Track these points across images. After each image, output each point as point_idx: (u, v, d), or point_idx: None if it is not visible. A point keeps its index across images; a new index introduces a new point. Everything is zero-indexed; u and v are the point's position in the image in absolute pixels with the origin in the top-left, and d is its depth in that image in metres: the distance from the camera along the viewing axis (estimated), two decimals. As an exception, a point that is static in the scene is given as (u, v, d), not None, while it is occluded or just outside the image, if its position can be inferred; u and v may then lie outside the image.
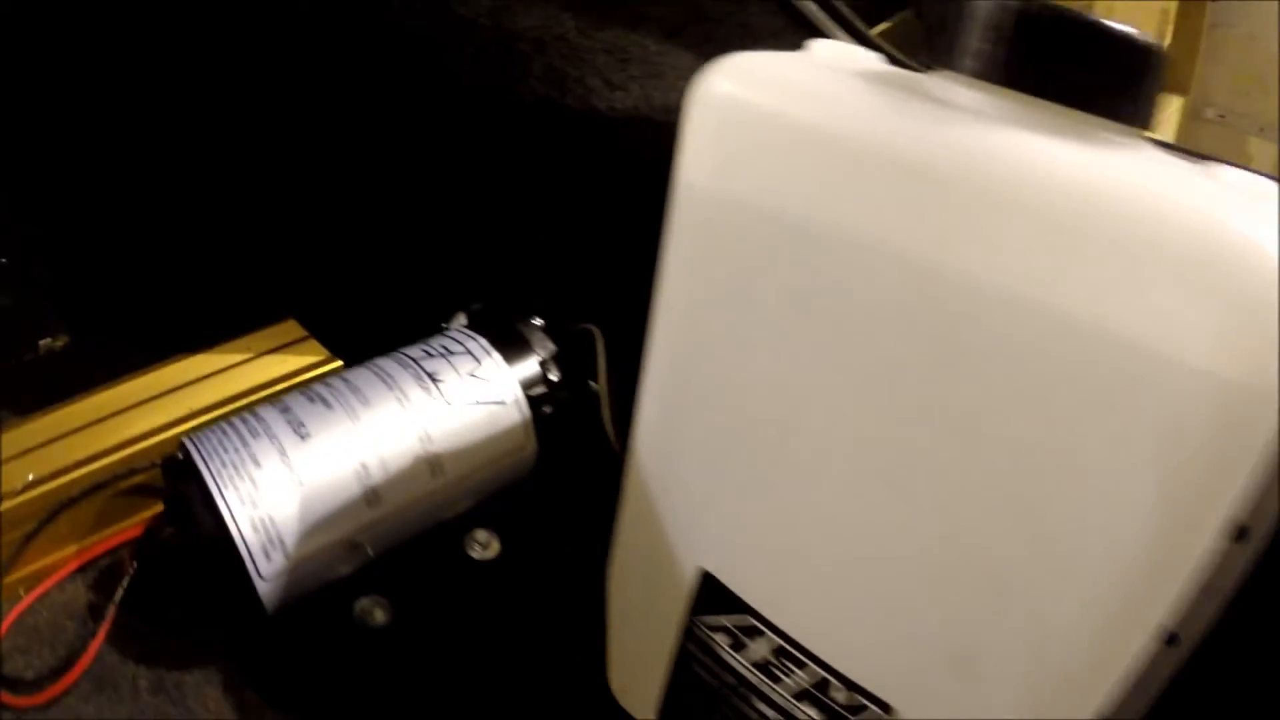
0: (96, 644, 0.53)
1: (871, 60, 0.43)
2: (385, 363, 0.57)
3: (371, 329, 0.71)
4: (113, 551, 0.60)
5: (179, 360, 0.66)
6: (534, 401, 0.58)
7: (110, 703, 0.52)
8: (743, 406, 0.42)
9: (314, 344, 0.67)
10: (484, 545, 0.59)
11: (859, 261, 0.36)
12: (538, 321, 0.62)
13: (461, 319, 0.64)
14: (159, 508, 0.61)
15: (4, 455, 0.59)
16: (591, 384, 0.62)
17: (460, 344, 0.59)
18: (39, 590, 0.57)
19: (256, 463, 0.50)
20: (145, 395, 0.63)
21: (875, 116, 0.36)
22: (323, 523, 0.51)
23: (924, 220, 0.35)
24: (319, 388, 0.55)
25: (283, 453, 0.50)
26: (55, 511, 0.57)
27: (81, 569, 0.59)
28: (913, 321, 0.35)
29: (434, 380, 0.56)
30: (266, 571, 0.50)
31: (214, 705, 0.53)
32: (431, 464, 0.54)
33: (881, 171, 0.35)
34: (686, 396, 0.44)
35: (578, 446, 0.62)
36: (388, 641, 0.55)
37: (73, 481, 0.57)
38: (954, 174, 0.34)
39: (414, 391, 0.55)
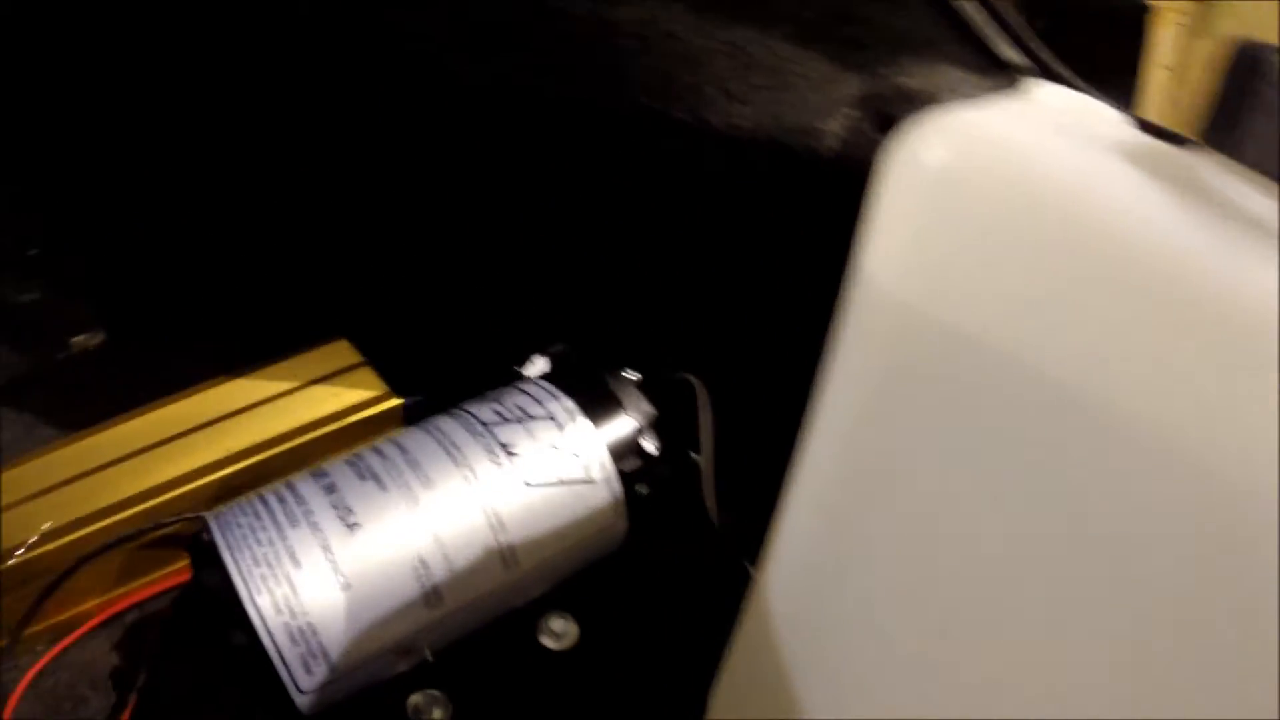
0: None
1: (1119, 123, 0.32)
2: (449, 426, 0.48)
3: (433, 358, 0.62)
4: (140, 605, 0.53)
5: (218, 384, 0.58)
6: (626, 478, 0.49)
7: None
8: (924, 560, 0.32)
9: (369, 374, 0.59)
10: (559, 634, 0.51)
11: (1118, 421, 0.26)
12: (631, 375, 0.53)
13: (541, 363, 0.55)
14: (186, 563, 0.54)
15: (22, 493, 0.52)
16: (693, 455, 0.53)
17: (540, 405, 0.50)
18: (58, 648, 0.51)
19: (295, 560, 0.42)
20: (179, 428, 0.55)
21: (1164, 226, 0.26)
22: (373, 630, 0.43)
23: (1231, 386, 0.25)
24: (371, 459, 0.46)
25: (326, 548, 0.42)
26: (74, 567, 0.50)
27: (105, 624, 0.53)
28: (1187, 510, 0.26)
29: (508, 453, 0.47)
30: (306, 685, 0.42)
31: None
32: (504, 556, 0.46)
33: (1174, 309, 0.25)
34: (845, 533, 0.35)
35: (671, 522, 0.53)
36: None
37: (94, 534, 0.50)
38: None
39: (484, 467, 0.46)
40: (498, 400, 0.50)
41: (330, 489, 0.45)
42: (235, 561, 0.42)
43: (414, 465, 0.46)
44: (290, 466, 0.55)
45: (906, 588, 0.33)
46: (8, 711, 0.48)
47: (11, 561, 0.49)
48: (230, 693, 0.47)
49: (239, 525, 0.43)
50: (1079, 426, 0.27)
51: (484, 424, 0.48)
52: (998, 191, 0.29)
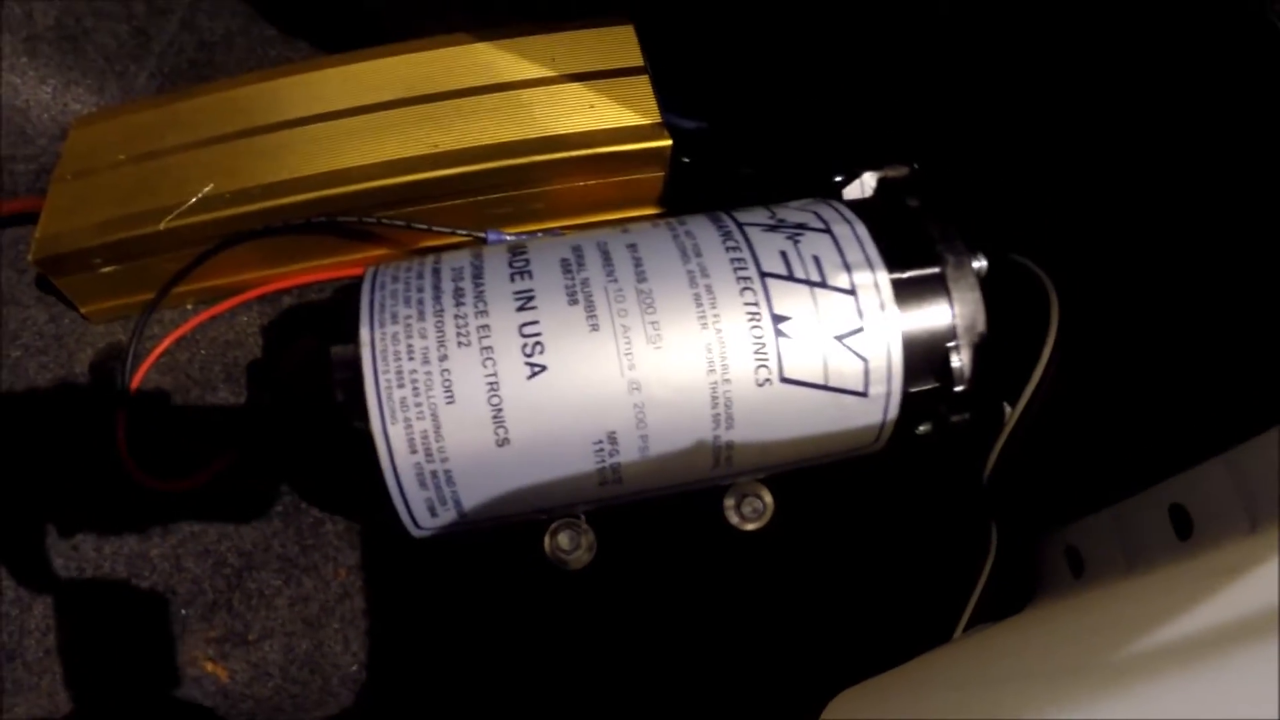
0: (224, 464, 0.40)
1: None
2: (713, 255, 0.33)
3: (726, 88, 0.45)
4: (300, 289, 0.45)
5: (455, 43, 0.44)
6: (911, 405, 0.34)
7: (233, 519, 0.41)
8: None
9: (645, 89, 0.43)
10: (750, 513, 0.38)
11: None
12: (979, 263, 0.35)
13: (866, 184, 0.38)
14: (368, 254, 0.44)
15: (194, 134, 0.42)
16: (1006, 407, 0.36)
17: (845, 270, 0.33)
18: (204, 315, 0.44)
19: (449, 391, 0.30)
20: (387, 94, 0.42)
21: None
22: (523, 494, 0.32)
23: None
24: (592, 272, 0.32)
25: (494, 387, 0.30)
26: (227, 243, 0.41)
27: (261, 300, 0.45)
28: None
29: (777, 330, 0.32)
30: (426, 524, 0.33)
31: (345, 577, 0.40)
32: (717, 453, 0.33)
33: None
34: None
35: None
36: (585, 588, 0.39)
37: (256, 213, 0.40)
38: None
39: (738, 340, 0.32)
40: (792, 234, 0.34)
41: (525, 303, 0.31)
42: (376, 371, 0.30)
43: (646, 303, 0.32)
44: (505, 184, 0.42)
45: None
46: (139, 374, 0.42)
47: (163, 225, 0.40)
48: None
49: (395, 317, 0.31)
50: None
51: (761, 271, 0.33)
52: None
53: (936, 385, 0.34)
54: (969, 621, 0.38)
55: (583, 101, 0.42)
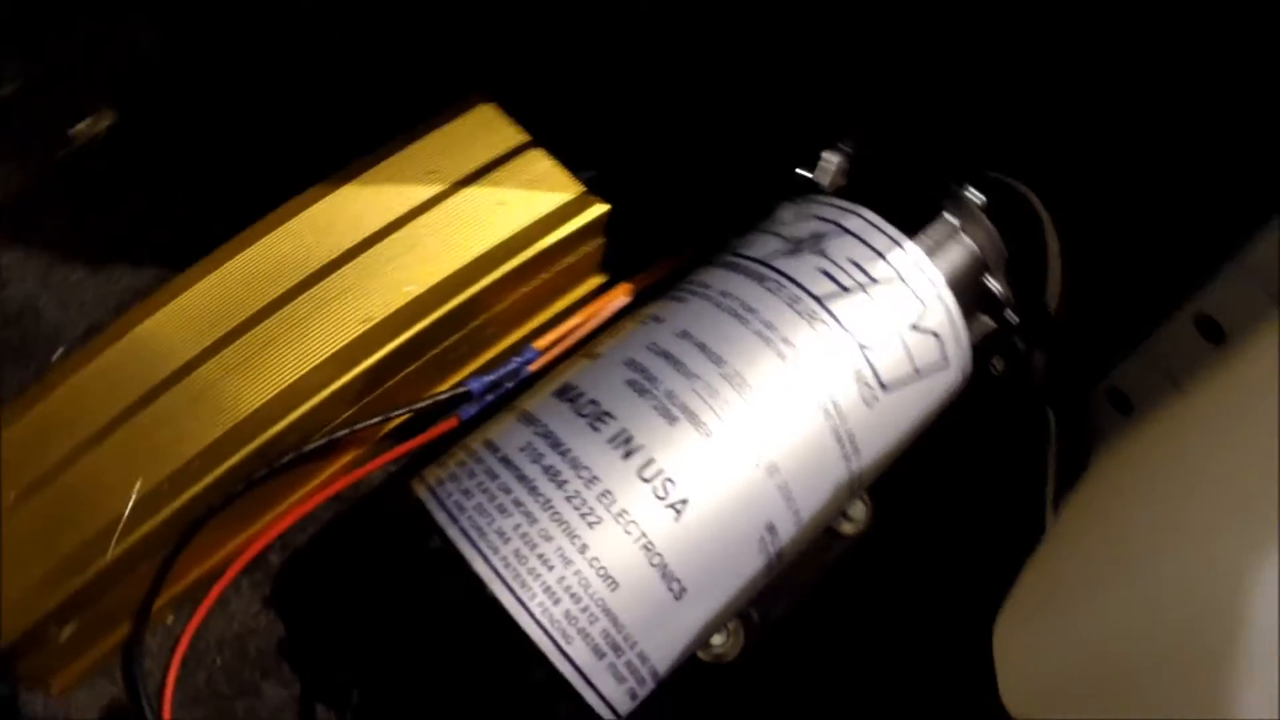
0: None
1: None
2: (765, 308, 0.30)
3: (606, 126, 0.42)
4: (281, 540, 0.38)
5: (317, 195, 0.38)
6: (979, 351, 0.34)
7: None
8: None
9: (545, 161, 0.39)
10: (850, 516, 0.37)
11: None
12: (976, 196, 0.35)
13: (833, 164, 0.36)
14: (338, 464, 0.39)
15: (84, 429, 0.35)
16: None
17: (878, 256, 0.32)
18: (195, 621, 0.36)
19: (609, 578, 0.27)
20: (285, 280, 0.36)
21: None
22: (710, 625, 0.30)
23: None
24: (668, 381, 0.29)
25: (648, 548, 0.27)
26: (188, 535, 0.34)
27: (246, 571, 0.38)
28: None
29: (860, 345, 0.31)
30: (627, 709, 0.29)
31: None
32: (852, 485, 0.32)
33: None
34: None
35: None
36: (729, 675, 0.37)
37: (206, 489, 0.34)
38: None
39: (836, 375, 0.30)
40: (815, 249, 0.32)
41: (627, 446, 0.28)
42: (523, 602, 0.26)
43: (739, 385, 0.29)
44: (455, 326, 0.37)
45: None
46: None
47: (110, 556, 0.33)
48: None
49: (503, 533, 0.27)
50: None
51: (815, 297, 0.31)
52: None
53: (993, 325, 0.34)
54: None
55: (491, 201, 0.38)
